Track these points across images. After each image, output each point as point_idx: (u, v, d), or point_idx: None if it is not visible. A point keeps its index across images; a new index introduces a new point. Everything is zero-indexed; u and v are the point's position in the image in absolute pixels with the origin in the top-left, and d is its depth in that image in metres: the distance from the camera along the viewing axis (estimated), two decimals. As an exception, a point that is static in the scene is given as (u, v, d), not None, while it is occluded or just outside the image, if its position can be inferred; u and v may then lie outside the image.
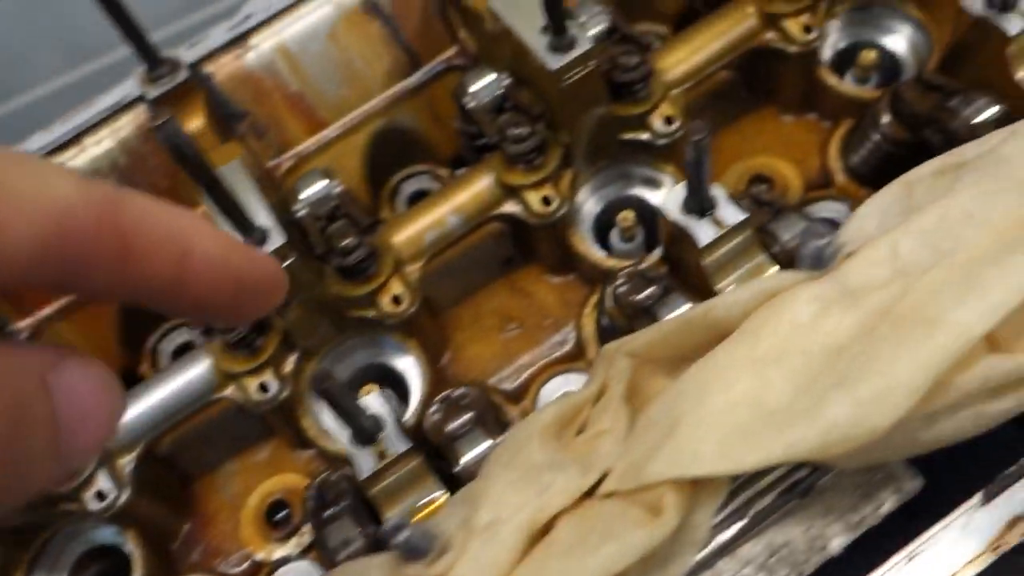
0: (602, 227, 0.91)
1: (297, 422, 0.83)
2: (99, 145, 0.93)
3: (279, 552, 0.81)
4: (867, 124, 0.84)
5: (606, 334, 0.83)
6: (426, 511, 0.66)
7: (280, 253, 0.73)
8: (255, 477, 0.87)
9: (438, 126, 1.01)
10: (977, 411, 0.53)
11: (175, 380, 0.81)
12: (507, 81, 0.84)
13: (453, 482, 0.69)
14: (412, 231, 0.84)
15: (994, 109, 0.73)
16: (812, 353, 0.53)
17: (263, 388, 0.80)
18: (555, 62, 0.77)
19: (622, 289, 0.73)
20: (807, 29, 0.87)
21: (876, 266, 0.55)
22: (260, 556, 0.82)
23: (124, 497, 0.78)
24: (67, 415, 0.33)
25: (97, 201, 0.33)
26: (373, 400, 0.68)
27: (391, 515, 0.67)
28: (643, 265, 0.75)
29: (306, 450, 0.86)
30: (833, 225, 0.87)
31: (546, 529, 0.56)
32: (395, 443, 0.67)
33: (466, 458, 0.69)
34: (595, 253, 0.86)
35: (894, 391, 0.49)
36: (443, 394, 0.76)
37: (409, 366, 0.86)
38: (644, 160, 0.88)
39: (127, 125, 0.93)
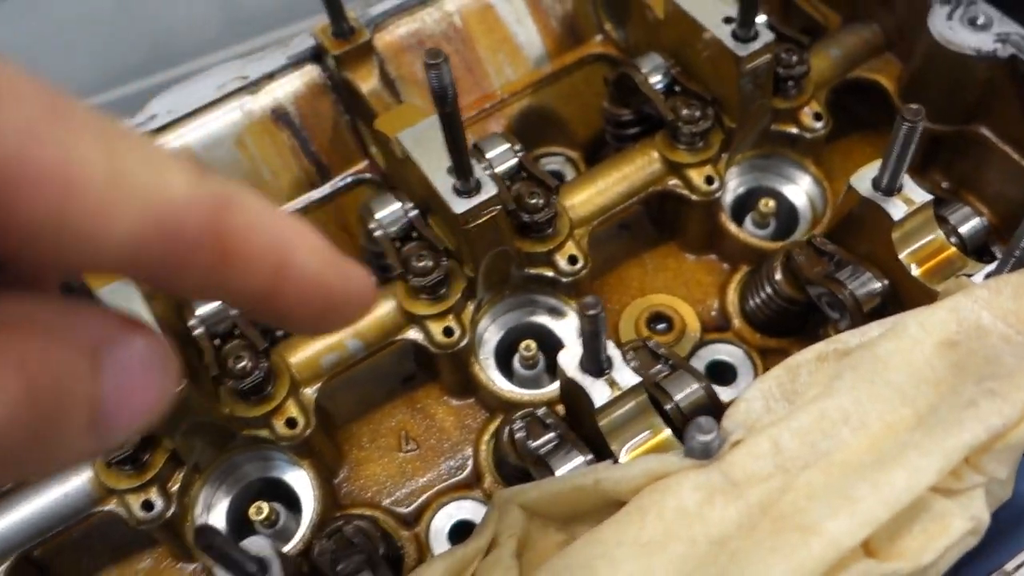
0: (504, 352, 0.92)
1: (183, 537, 0.81)
2: None
3: None
4: (762, 276, 0.88)
5: (502, 465, 0.84)
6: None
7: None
8: (135, 589, 0.85)
9: (345, 237, 1.01)
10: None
11: (53, 491, 0.78)
12: (413, 212, 0.85)
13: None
14: (310, 352, 0.84)
15: (877, 285, 0.78)
16: (696, 542, 0.55)
17: (147, 506, 0.78)
18: (460, 207, 0.78)
19: (520, 434, 0.75)
20: (709, 180, 0.91)
21: (759, 459, 0.57)
22: None
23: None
24: (113, 394, 0.32)
25: (205, 204, 0.32)
26: (257, 541, 0.67)
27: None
28: (541, 411, 0.76)
29: (191, 563, 0.85)
30: (726, 372, 0.90)
31: None
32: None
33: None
34: (494, 383, 0.87)
35: (768, 597, 0.51)
36: (334, 526, 0.76)
37: (302, 484, 0.85)
38: (549, 291, 0.91)
39: None
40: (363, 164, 1.00)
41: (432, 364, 0.89)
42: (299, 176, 0.98)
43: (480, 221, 0.79)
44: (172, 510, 0.79)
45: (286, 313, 0.36)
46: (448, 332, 0.84)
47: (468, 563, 0.67)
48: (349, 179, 0.99)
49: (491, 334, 0.91)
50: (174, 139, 0.94)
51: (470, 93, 1.00)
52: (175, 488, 0.80)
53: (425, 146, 0.81)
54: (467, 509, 0.86)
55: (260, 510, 0.82)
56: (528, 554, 0.68)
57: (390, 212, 0.85)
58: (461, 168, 0.76)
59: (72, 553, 0.85)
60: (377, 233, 0.84)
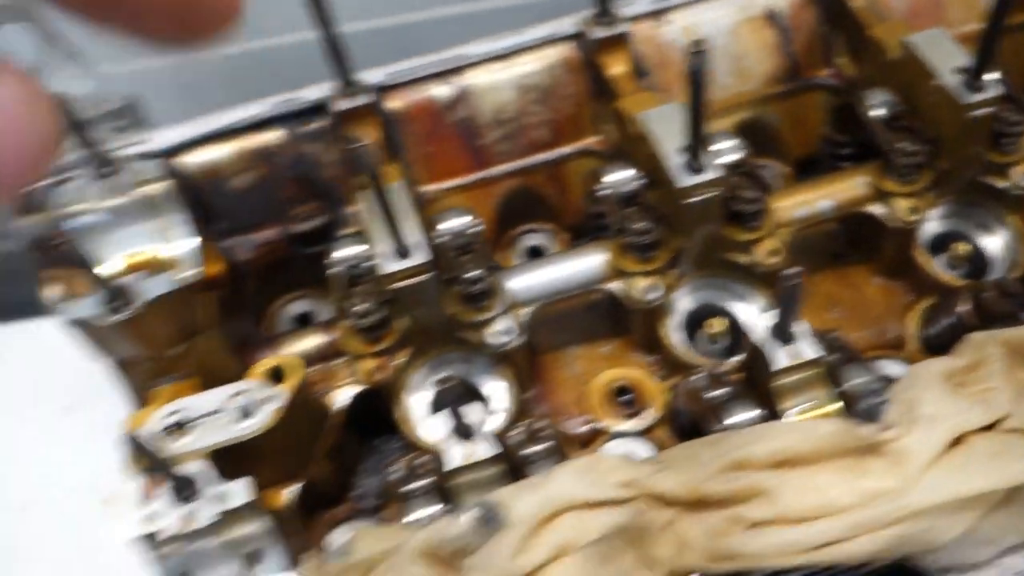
0: (935, 247, 1.04)
1: (655, 329, 0.98)
2: (526, 65, 1.11)
3: (620, 426, 0.97)
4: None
5: (936, 336, 0.97)
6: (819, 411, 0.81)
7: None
8: (598, 364, 1.02)
9: (797, 130, 1.17)
10: None
11: (575, 262, 0.98)
12: (897, 108, 0.99)
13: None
14: (789, 202, 1.00)
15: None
16: None
17: (649, 290, 0.95)
18: (967, 98, 0.91)
19: (989, 293, 0.88)
20: (913, 211, 0.98)
21: None
22: (602, 424, 0.97)
23: (517, 341, 0.94)
24: None
25: None
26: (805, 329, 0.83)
27: (785, 405, 0.82)
28: (1005, 281, 0.89)
29: (649, 355, 1.02)
30: None
31: (956, 441, 0.70)
32: (807, 351, 0.82)
33: (851, 384, 0.84)
34: (937, 267, 1.00)
35: None
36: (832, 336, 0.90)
37: (749, 313, 1.00)
38: (992, 204, 1.02)
39: (554, 55, 1.11)
40: (828, 72, 1.14)
41: (875, 242, 1.03)
42: (773, 70, 1.14)
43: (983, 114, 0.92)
44: (663, 300, 0.96)
45: (140, 10, 0.34)
46: (913, 211, 0.98)
47: (953, 373, 0.80)
48: (814, 81, 1.14)
49: (930, 227, 1.04)
50: (683, 18, 1.12)
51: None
52: (670, 283, 0.97)
53: (930, 49, 0.95)
54: (888, 367, 0.99)
55: (711, 325, 0.99)
56: (1004, 380, 0.80)
57: (880, 101, 0.99)
58: (983, 63, 0.90)
59: (552, 326, 1.03)
60: (872, 114, 0.99)
